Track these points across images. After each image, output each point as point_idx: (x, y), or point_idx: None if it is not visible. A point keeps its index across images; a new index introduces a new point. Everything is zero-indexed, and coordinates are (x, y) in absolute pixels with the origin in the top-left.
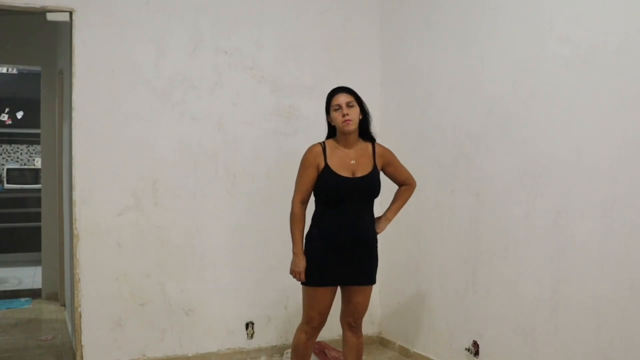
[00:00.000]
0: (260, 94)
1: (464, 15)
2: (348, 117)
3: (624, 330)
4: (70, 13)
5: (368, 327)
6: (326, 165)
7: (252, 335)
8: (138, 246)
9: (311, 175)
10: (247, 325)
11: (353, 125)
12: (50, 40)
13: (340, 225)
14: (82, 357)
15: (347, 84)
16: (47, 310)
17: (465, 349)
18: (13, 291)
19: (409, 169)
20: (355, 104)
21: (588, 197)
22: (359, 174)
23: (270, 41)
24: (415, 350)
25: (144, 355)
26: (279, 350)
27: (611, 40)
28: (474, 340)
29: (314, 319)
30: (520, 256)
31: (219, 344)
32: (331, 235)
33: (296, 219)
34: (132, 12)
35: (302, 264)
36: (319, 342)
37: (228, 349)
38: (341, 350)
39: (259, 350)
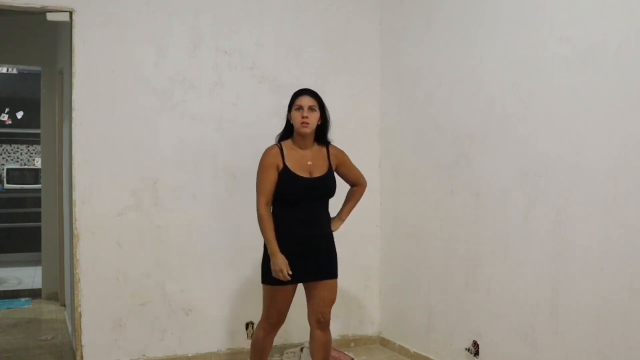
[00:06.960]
0: (260, 94)
1: (464, 15)
2: (306, 119)
3: (624, 330)
4: (70, 13)
5: (368, 327)
6: (285, 166)
7: (252, 335)
8: (138, 246)
9: (272, 176)
10: (247, 325)
11: (309, 129)
12: (50, 40)
13: (297, 224)
14: (82, 357)
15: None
16: (47, 310)
17: (465, 349)
18: (13, 291)
19: (408, 169)
20: (317, 108)
21: (588, 197)
22: (315, 175)
23: (270, 41)
24: (415, 350)
25: (144, 355)
26: (279, 350)
27: (611, 40)
28: (474, 340)
29: (272, 316)
30: (520, 256)
31: (219, 344)
32: (289, 233)
33: (264, 220)
34: (132, 12)
35: (281, 261)
36: None
37: (228, 349)
38: (340, 350)
39: None
